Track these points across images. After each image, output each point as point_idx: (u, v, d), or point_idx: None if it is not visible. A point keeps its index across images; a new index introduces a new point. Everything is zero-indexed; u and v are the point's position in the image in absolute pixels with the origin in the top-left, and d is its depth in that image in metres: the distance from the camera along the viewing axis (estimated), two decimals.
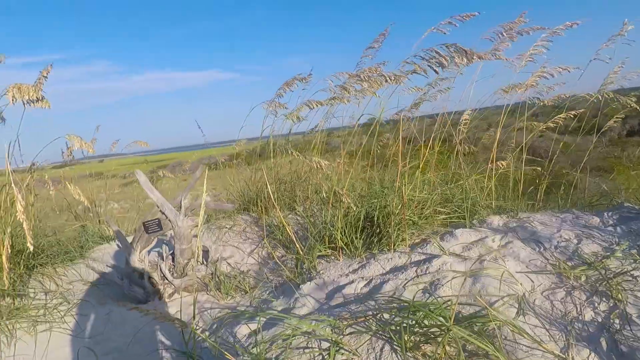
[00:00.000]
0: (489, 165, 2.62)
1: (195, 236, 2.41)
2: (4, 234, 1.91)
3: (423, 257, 1.84)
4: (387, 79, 2.63)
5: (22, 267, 2.13)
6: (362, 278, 1.79)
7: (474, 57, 1.93)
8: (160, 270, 2.36)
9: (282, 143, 3.63)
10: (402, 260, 1.86)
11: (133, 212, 10.54)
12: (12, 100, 1.83)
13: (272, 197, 2.63)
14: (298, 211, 3.13)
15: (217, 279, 2.32)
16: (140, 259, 2.36)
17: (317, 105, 2.76)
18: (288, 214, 3.12)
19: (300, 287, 1.89)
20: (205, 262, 2.45)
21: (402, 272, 1.69)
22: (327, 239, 2.21)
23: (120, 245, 2.73)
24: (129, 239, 3.08)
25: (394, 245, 2.04)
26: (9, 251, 1.86)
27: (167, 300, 2.29)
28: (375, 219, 2.18)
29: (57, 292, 2.19)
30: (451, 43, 1.76)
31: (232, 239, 3.00)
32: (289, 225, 2.91)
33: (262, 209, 3.23)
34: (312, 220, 2.86)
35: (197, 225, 2.34)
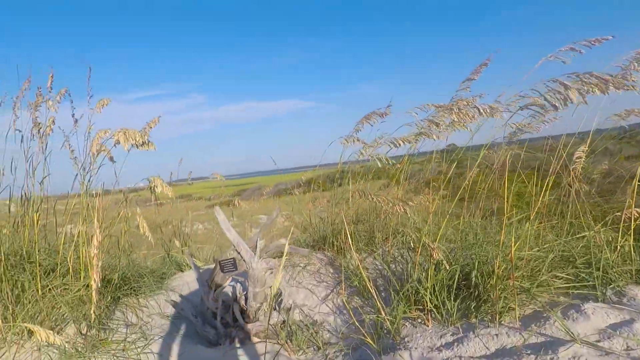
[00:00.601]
0: (622, 213, 2.07)
1: (271, 271, 2.31)
2: (95, 267, 1.98)
3: (542, 339, 1.45)
4: (483, 111, 2.34)
5: (109, 299, 2.21)
6: (460, 358, 1.46)
7: (609, 87, 1.56)
8: (233, 312, 2.28)
9: (358, 171, 3.44)
10: (513, 339, 1.49)
11: (215, 234, 11.17)
12: (115, 143, 1.95)
13: (349, 239, 2.42)
14: (377, 255, 2.87)
15: (289, 328, 2.16)
16: (214, 298, 2.32)
17: (402, 143, 2.54)
18: (366, 257, 2.88)
19: (381, 357, 1.62)
20: (277, 308, 2.31)
21: None
22: (412, 297, 1.91)
23: (197, 279, 2.75)
24: (205, 273, 3.13)
25: (499, 316, 1.67)
26: (99, 284, 1.92)
27: (237, 345, 2.18)
28: (473, 278, 1.83)
29: (137, 326, 2.21)
30: (584, 72, 1.42)
31: (306, 280, 2.85)
32: (366, 270, 2.66)
33: (338, 249, 3.04)
34: (393, 268, 2.57)
35: (272, 269, 2.23)
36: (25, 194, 2.27)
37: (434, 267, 1.84)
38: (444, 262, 1.72)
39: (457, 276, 1.83)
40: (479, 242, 1.99)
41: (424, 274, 1.91)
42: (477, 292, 1.81)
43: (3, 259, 1.95)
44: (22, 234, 2.16)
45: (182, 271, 3.48)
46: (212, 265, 3.68)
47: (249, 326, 2.19)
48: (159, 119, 2.10)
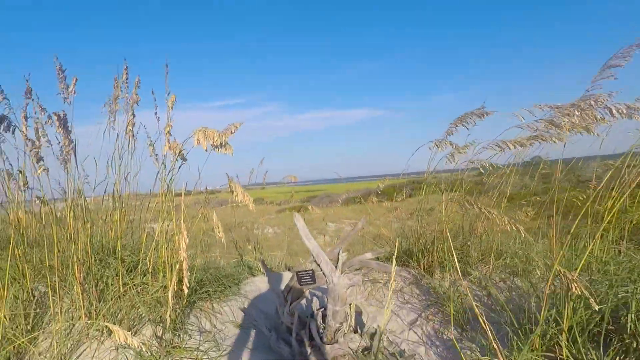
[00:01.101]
0: None
1: (349, 285, 2.04)
2: (172, 270, 1.90)
3: None
4: (617, 112, 1.87)
5: (184, 302, 2.13)
6: None
7: None
8: (309, 329, 2.05)
9: (434, 181, 3.03)
10: None
11: (285, 237, 11.30)
12: (196, 142, 1.87)
13: (453, 259, 2.06)
14: (473, 277, 2.44)
15: (374, 358, 1.87)
16: (290, 312, 2.12)
17: (513, 146, 2.11)
18: (459, 279, 2.47)
19: None
20: (360, 331, 2.03)
21: None
22: (539, 339, 1.49)
23: (271, 288, 2.59)
24: (277, 280, 2.97)
25: None
26: (175, 288, 1.83)
27: None
28: (629, 325, 1.36)
29: (210, 334, 2.10)
30: None
31: (387, 299, 2.52)
32: (460, 295, 2.26)
33: (424, 266, 2.67)
34: (498, 296, 2.13)
35: (355, 286, 1.96)
36: (116, 190, 2.32)
37: (571, 304, 1.41)
38: (591, 299, 1.29)
39: (605, 319, 1.38)
40: (635, 275, 1.50)
41: (552, 311, 1.48)
42: (636, 344, 1.34)
43: (92, 254, 1.97)
44: (111, 229, 2.19)
45: (253, 275, 3.39)
46: (284, 272, 3.54)
47: (327, 348, 1.94)
48: (240, 124, 1.98)
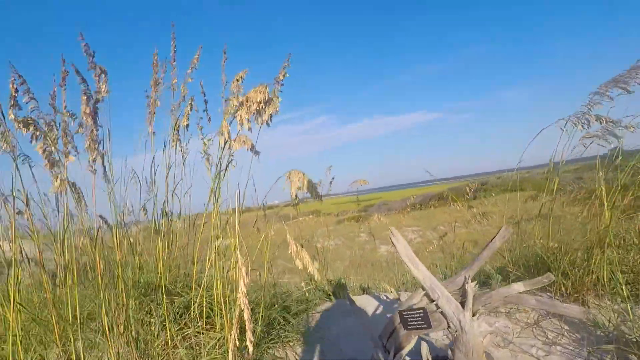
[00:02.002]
0: None
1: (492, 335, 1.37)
2: (230, 312, 1.40)
3: None
4: None
5: (251, 354, 1.62)
6: None
7: None
8: None
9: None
10: None
11: (345, 249, 10.72)
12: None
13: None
14: None
15: None
16: None
17: None
18: (632, 307, 1.68)
19: None
20: None
21: None
22: None
23: (360, 325, 2.00)
24: (359, 310, 2.36)
25: None
26: (237, 342, 1.31)
27: None
28: None
29: None
30: None
31: (516, 336, 1.80)
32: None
33: (569, 288, 1.90)
34: None
35: (494, 332, 1.31)
36: (166, 211, 1.91)
37: None
38: None
39: None
40: None
41: None
42: None
43: (133, 293, 1.54)
44: (156, 260, 1.76)
45: (330, 300, 2.82)
46: (359, 296, 2.94)
47: None
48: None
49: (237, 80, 1.47)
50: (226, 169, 1.54)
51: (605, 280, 1.78)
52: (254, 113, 1.29)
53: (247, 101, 1.25)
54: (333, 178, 3.22)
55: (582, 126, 1.85)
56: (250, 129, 1.34)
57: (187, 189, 1.94)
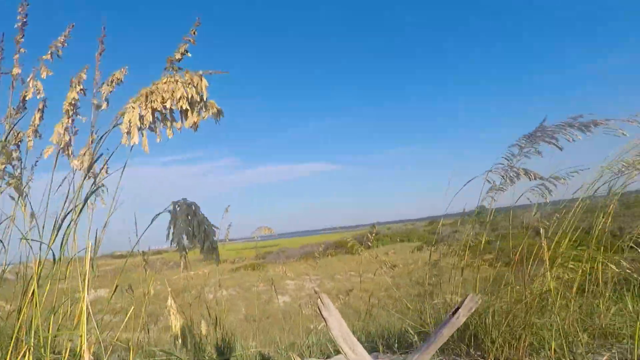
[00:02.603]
0: None
1: None
2: None
3: None
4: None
5: None
6: None
7: None
8: None
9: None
10: None
11: (241, 300, 10.14)
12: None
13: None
14: None
15: None
16: None
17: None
18: None
19: None
20: None
21: None
22: None
23: None
24: None
25: None
26: None
27: None
28: None
29: None
30: None
31: None
32: None
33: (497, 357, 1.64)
34: None
35: None
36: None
37: None
38: None
39: None
40: None
41: None
42: None
43: None
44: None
45: None
46: None
47: None
48: None
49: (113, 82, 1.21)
50: (83, 205, 1.15)
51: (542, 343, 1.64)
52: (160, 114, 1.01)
53: (152, 95, 0.96)
54: (230, 225, 3.00)
55: (510, 179, 1.80)
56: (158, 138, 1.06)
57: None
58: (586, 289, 1.80)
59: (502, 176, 1.82)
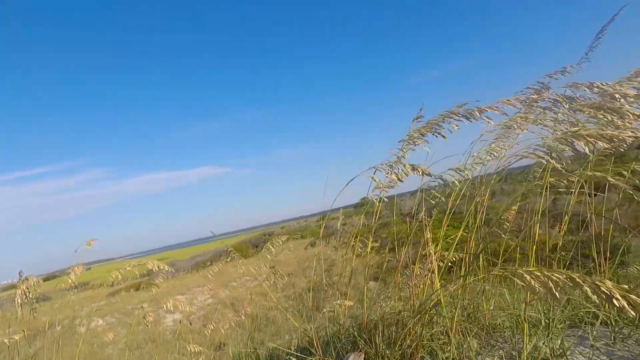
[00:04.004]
0: None
1: None
2: None
3: None
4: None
5: None
6: None
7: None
8: None
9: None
10: None
11: (120, 328, 9.00)
12: None
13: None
14: None
15: None
16: None
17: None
18: None
19: None
20: None
21: None
22: None
23: None
24: None
25: None
26: None
27: None
28: None
29: None
30: None
31: None
32: None
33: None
34: None
35: None
36: None
37: None
38: None
39: None
40: None
41: None
42: None
43: None
44: None
45: None
46: None
47: None
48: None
49: None
50: None
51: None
52: None
53: None
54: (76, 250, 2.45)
55: (398, 176, 1.70)
56: None
57: None
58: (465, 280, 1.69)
59: (388, 173, 1.77)
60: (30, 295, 1.86)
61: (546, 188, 1.59)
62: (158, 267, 2.06)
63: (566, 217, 1.70)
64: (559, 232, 1.67)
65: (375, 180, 1.73)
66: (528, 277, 0.74)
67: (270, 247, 2.28)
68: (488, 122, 1.51)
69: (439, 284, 1.63)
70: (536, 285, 0.71)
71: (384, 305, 1.98)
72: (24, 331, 2.43)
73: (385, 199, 1.84)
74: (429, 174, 1.53)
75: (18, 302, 2.11)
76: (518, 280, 0.76)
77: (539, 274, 0.73)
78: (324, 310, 1.89)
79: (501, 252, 1.69)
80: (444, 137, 1.64)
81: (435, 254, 1.69)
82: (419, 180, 1.73)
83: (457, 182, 1.52)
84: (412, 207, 2.21)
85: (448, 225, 1.84)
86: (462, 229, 1.72)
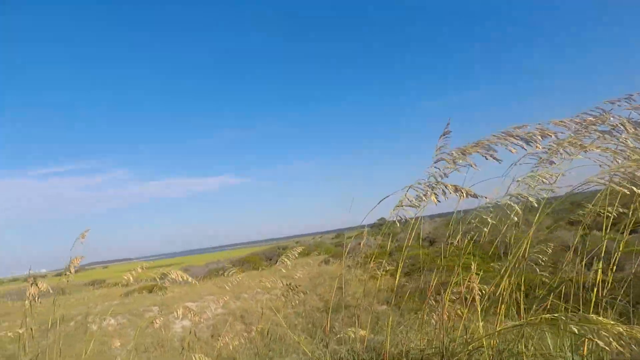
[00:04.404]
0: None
1: None
2: None
3: None
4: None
5: None
6: None
7: None
8: None
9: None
10: None
11: (131, 329, 9.05)
12: None
13: None
14: None
15: None
16: None
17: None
18: None
19: None
20: None
21: None
22: None
23: None
24: None
25: None
26: None
27: None
28: None
29: None
30: None
31: None
32: None
33: None
34: None
35: None
36: None
37: None
38: None
39: None
40: None
41: None
42: None
43: None
44: None
45: None
46: None
47: None
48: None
49: None
50: None
51: None
52: None
53: None
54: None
55: (436, 196, 1.57)
56: None
57: None
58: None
59: (423, 194, 1.59)
60: (44, 290, 1.88)
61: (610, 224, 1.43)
62: (182, 278, 2.05)
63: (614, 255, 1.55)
64: (601, 270, 1.50)
65: (409, 200, 1.58)
66: (603, 332, 0.65)
67: (286, 260, 2.25)
68: (536, 146, 1.37)
69: (481, 324, 1.43)
70: (614, 343, 0.64)
71: (403, 335, 1.89)
72: (31, 327, 2.47)
73: (406, 219, 1.74)
74: (474, 196, 1.36)
75: (32, 294, 2.14)
76: (594, 336, 0.68)
77: (621, 330, 0.65)
78: (338, 335, 1.82)
79: (537, 290, 1.56)
80: (497, 160, 1.44)
81: (467, 285, 1.54)
82: (442, 203, 1.63)
83: (518, 209, 1.31)
84: (429, 232, 2.15)
85: (478, 255, 1.73)
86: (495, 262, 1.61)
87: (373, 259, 2.17)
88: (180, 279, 2.09)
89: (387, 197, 1.73)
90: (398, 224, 1.69)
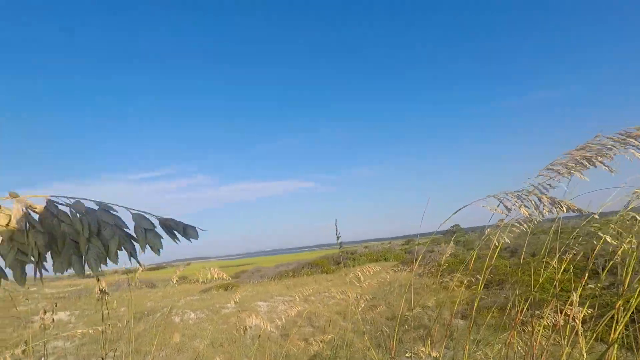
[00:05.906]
0: None
1: None
2: None
3: None
4: None
5: None
6: None
7: None
8: None
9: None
10: None
11: (208, 323, 9.72)
12: None
13: None
14: None
15: None
16: None
17: None
18: None
19: None
20: None
21: None
22: None
23: None
24: None
25: None
26: None
27: None
28: None
29: None
30: None
31: None
32: None
33: None
34: None
35: None
36: None
37: None
38: None
39: None
40: None
41: None
42: None
43: None
44: None
45: None
46: None
47: None
48: None
49: None
50: None
51: None
52: None
53: None
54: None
55: (525, 206, 1.41)
56: None
57: None
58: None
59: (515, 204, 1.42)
60: (134, 283, 2.08)
61: None
62: (219, 276, 2.13)
63: None
64: None
65: (497, 212, 1.41)
66: None
67: (359, 274, 2.17)
68: None
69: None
70: None
71: (481, 355, 1.69)
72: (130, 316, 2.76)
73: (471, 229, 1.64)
74: (578, 211, 1.11)
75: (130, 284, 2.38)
76: None
77: None
78: (407, 353, 1.71)
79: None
80: (609, 169, 1.18)
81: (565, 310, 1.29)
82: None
83: None
84: (509, 242, 1.91)
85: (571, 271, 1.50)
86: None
87: (447, 268, 2.05)
88: (216, 277, 2.18)
89: (466, 206, 1.56)
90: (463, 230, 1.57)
